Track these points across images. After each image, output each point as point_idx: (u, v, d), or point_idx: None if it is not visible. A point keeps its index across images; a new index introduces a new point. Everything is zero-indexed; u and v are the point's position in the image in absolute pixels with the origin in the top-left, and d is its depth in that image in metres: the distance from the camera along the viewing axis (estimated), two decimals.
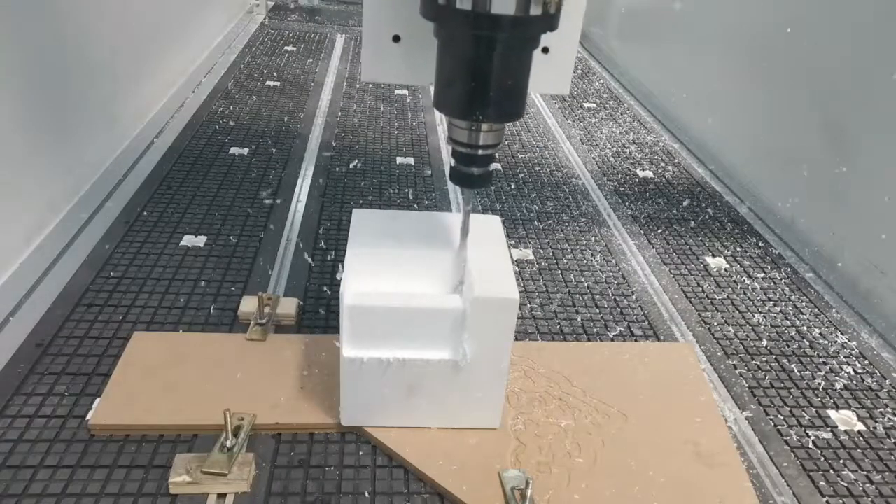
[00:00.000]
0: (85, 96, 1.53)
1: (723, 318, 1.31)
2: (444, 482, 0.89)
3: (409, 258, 0.98)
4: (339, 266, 1.31)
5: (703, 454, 0.97)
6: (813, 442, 1.04)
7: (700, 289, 1.39)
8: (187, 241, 1.38)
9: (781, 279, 1.46)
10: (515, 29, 0.76)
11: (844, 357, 1.23)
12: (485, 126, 0.84)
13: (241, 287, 1.26)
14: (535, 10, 0.76)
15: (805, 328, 1.30)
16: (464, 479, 0.89)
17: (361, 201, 1.60)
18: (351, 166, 1.69)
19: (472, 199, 0.95)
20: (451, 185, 1.71)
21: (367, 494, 0.88)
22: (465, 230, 0.96)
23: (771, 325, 1.30)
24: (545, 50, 0.90)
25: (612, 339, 1.21)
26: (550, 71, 0.92)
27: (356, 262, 0.94)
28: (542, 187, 1.75)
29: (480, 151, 0.86)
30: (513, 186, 1.74)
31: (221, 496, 0.86)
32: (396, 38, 0.89)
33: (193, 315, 1.18)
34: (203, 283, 1.26)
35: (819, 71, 1.58)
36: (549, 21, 0.79)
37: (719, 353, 1.21)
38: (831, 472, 0.99)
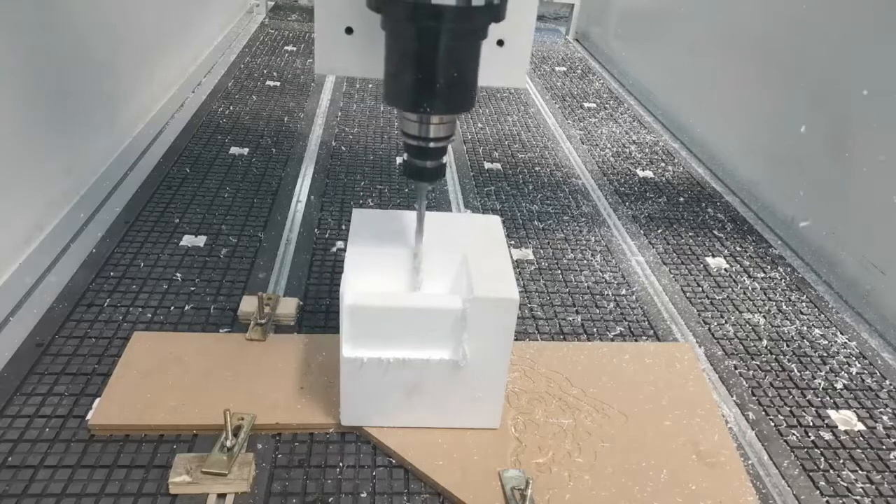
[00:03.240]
0: (85, 96, 1.53)
1: (723, 318, 1.31)
2: (444, 482, 0.89)
3: (409, 258, 0.98)
4: (340, 266, 1.31)
5: (703, 454, 0.97)
6: (813, 442, 1.04)
7: (700, 289, 1.39)
8: (187, 241, 1.38)
9: (781, 279, 1.46)
10: (458, 19, 0.75)
11: (844, 357, 1.23)
12: (435, 119, 0.83)
13: (241, 287, 1.26)
14: (478, 1, 0.74)
15: (805, 328, 1.30)
16: (464, 479, 0.90)
17: (361, 201, 1.60)
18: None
19: (426, 194, 0.93)
20: (451, 185, 1.71)
21: (366, 494, 0.88)
22: (420, 230, 0.94)
23: (771, 325, 1.30)
24: (500, 42, 0.89)
25: (612, 339, 1.21)
26: (506, 63, 0.90)
27: (356, 262, 0.94)
28: (542, 187, 1.75)
29: (432, 144, 0.85)
30: (513, 186, 1.74)
31: (221, 496, 0.86)
32: (349, 30, 0.87)
33: (193, 315, 1.18)
34: (203, 283, 1.26)
35: (819, 70, 1.58)
36: (494, 12, 0.77)
37: (719, 353, 1.21)
38: (831, 472, 0.99)
